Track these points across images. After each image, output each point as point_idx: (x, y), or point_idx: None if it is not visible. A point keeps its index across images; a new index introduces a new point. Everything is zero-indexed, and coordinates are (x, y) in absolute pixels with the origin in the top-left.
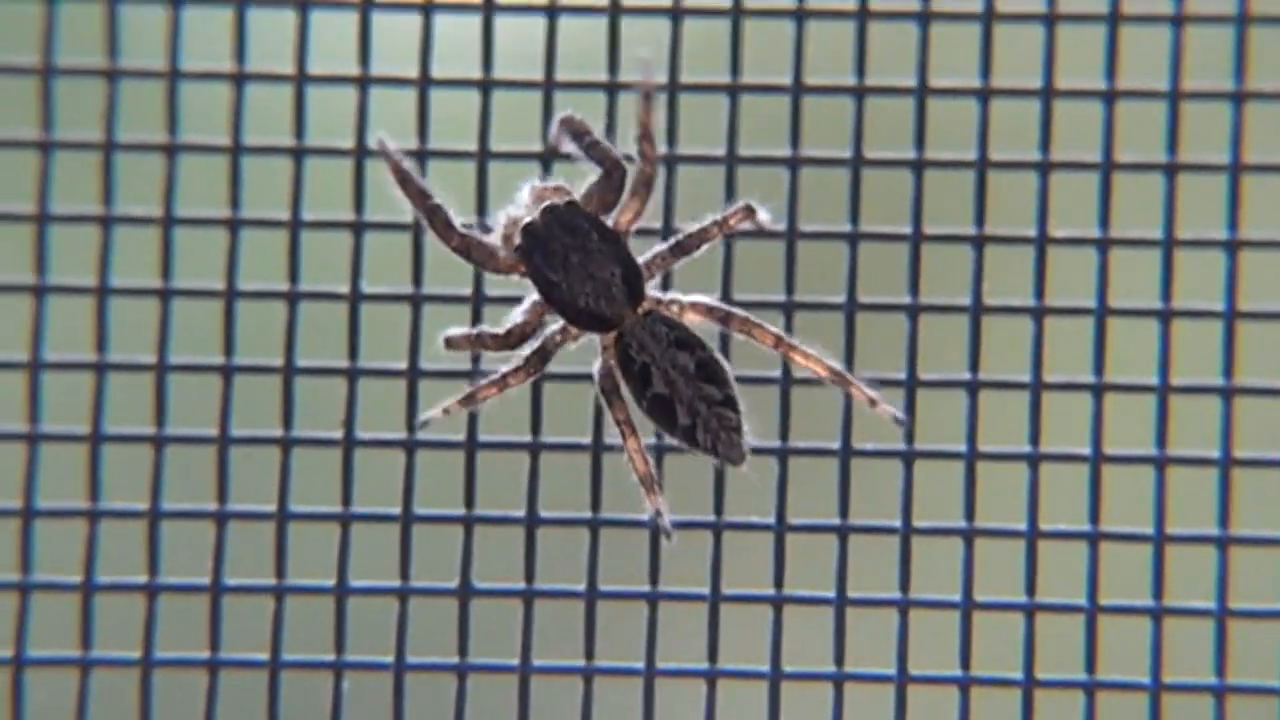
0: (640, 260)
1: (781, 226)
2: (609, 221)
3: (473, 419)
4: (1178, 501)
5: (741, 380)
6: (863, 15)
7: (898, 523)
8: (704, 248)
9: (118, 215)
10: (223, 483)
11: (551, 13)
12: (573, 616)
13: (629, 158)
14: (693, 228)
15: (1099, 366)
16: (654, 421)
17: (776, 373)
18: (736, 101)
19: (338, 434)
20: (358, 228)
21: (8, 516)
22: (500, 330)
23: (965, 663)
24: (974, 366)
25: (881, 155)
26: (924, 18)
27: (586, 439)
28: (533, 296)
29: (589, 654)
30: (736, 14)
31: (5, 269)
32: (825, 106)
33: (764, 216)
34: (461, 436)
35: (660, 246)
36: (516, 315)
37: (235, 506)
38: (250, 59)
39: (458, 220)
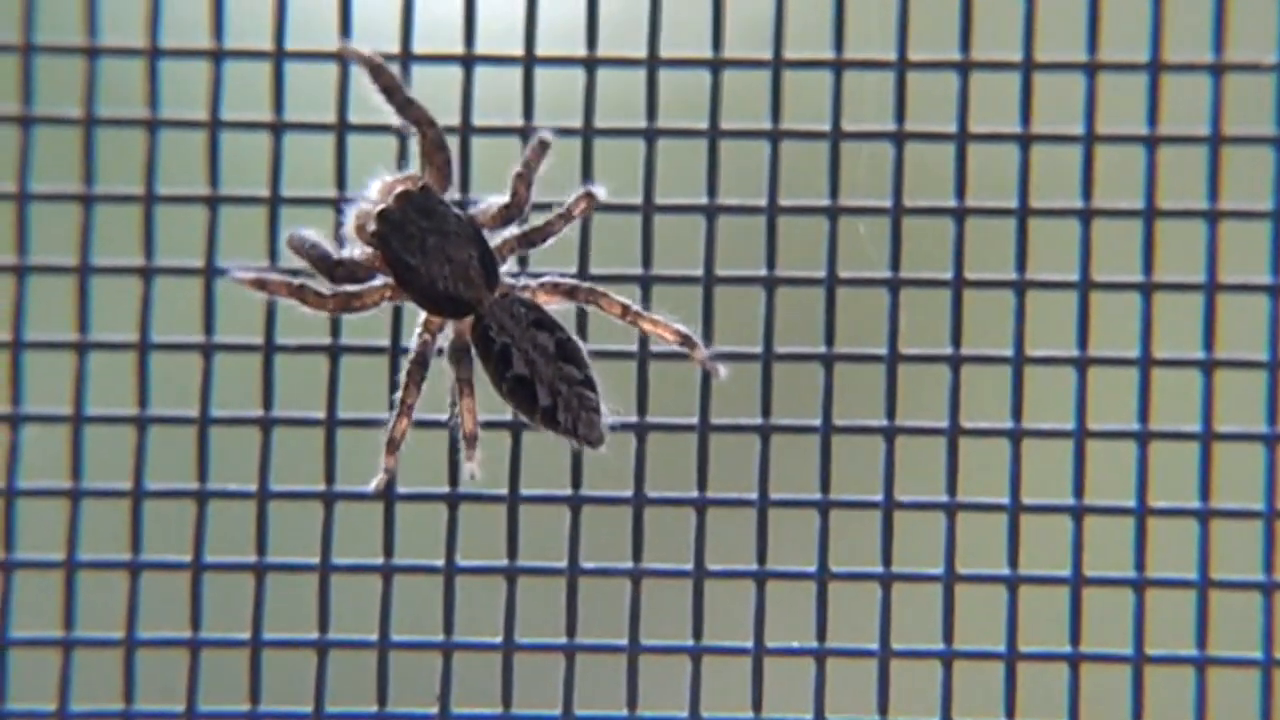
0: (492, 244)
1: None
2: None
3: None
4: (1096, 548)
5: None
6: (777, 64)
7: (813, 569)
8: (550, 240)
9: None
10: (136, 535)
11: (468, 62)
12: (490, 667)
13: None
14: (539, 220)
15: (1016, 411)
16: (514, 404)
17: (693, 420)
18: (653, 147)
19: (252, 486)
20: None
21: None
22: (328, 293)
23: (883, 707)
24: (890, 414)
25: (797, 202)
26: (838, 67)
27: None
28: (384, 279)
29: (506, 702)
30: (651, 63)
31: None
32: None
33: (600, 192)
34: (379, 500)
35: (510, 232)
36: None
37: (148, 557)
38: (164, 104)
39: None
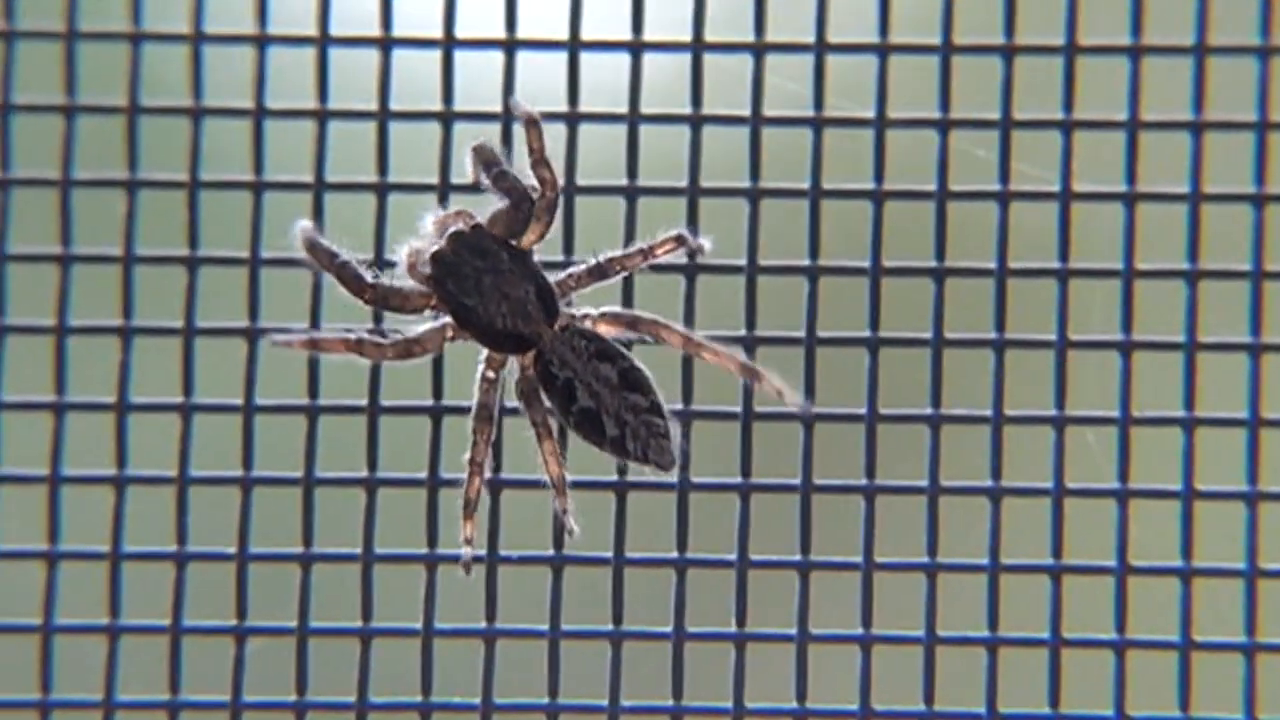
0: (553, 280)
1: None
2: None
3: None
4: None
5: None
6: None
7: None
8: (622, 274)
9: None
10: (182, 528)
11: (448, 46)
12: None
13: (533, 189)
14: (616, 252)
15: (996, 471)
16: (582, 436)
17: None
18: (699, 133)
19: (232, 547)
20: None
21: None
22: (386, 341)
23: None
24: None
25: (840, 185)
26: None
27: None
28: (443, 319)
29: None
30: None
31: None
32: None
33: (700, 243)
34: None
35: (577, 268)
36: (414, 330)
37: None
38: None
39: (367, 272)
